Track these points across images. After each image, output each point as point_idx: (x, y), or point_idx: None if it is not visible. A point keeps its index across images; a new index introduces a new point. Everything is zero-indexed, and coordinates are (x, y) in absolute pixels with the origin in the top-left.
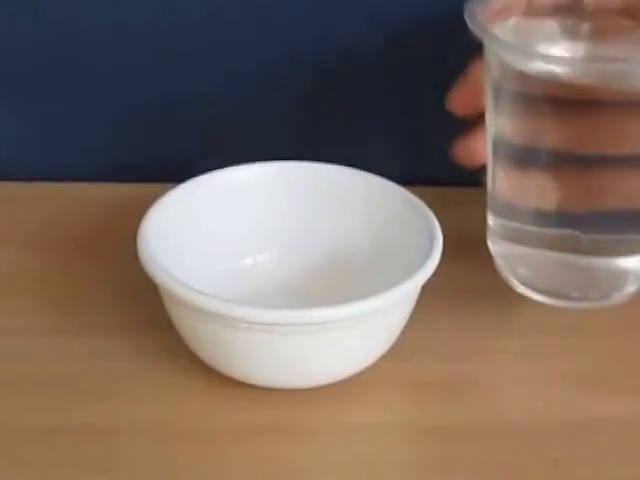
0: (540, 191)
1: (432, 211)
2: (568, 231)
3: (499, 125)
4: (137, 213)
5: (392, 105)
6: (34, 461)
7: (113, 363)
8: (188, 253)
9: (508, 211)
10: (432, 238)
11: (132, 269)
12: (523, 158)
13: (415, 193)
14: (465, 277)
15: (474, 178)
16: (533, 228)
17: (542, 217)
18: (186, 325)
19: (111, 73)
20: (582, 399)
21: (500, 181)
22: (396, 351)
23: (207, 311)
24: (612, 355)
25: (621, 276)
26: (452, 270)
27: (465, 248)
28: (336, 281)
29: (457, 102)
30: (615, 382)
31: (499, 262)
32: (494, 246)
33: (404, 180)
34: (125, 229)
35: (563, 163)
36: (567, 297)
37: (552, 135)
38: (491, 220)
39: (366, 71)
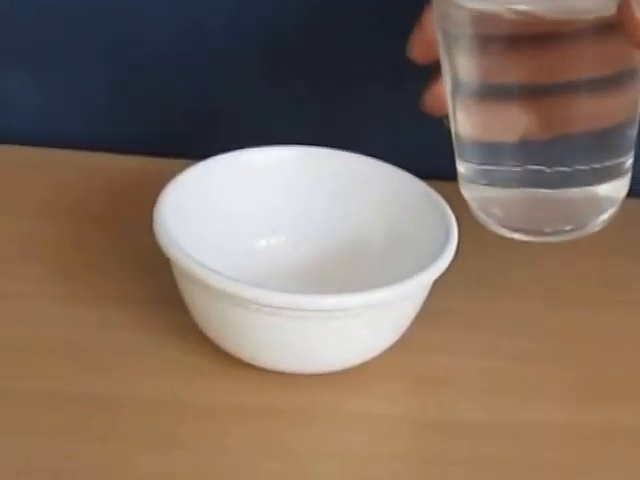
0: (502, 124)
1: (450, 206)
2: (533, 166)
3: (452, 67)
4: (154, 187)
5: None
6: (37, 426)
7: (122, 335)
8: (203, 231)
9: (474, 152)
10: (448, 233)
11: (146, 243)
12: (481, 95)
13: (434, 187)
14: (477, 273)
15: None
16: (500, 167)
17: (507, 153)
18: (197, 303)
19: (132, 45)
20: (588, 403)
21: (463, 122)
22: (404, 343)
23: (218, 290)
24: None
25: (594, 204)
26: (465, 265)
27: (479, 244)
28: (349, 269)
29: (416, 50)
30: (616, 388)
31: (472, 204)
32: (466, 192)
33: (425, 174)
34: (141, 202)
35: (521, 94)
36: (542, 233)
37: (507, 70)
38: (460, 166)
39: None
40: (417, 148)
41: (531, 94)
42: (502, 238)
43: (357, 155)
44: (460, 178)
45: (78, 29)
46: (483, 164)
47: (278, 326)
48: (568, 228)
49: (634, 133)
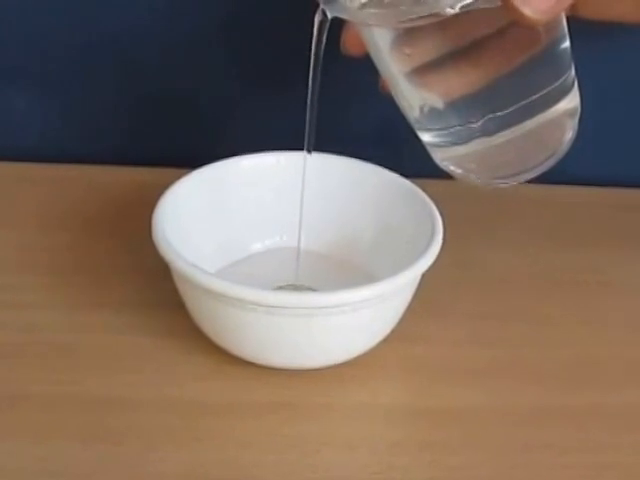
0: (444, 88)
1: (434, 202)
2: (488, 115)
3: (383, 63)
4: (151, 197)
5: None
6: (48, 430)
7: (125, 339)
8: (200, 236)
9: (429, 121)
10: (433, 228)
11: (145, 250)
12: (416, 75)
13: (418, 185)
14: (463, 265)
15: None
16: (459, 127)
17: (460, 112)
18: (196, 305)
19: (129, 60)
20: (577, 385)
21: (409, 98)
22: (397, 335)
23: (216, 292)
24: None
25: (557, 124)
26: (453, 258)
27: (464, 237)
28: (341, 266)
29: (349, 46)
30: (605, 370)
31: (447, 165)
32: (436, 155)
33: (410, 172)
34: (139, 212)
35: (452, 60)
36: (522, 172)
37: (431, 50)
38: (422, 136)
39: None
40: (401, 149)
41: (460, 56)
42: (486, 230)
43: (346, 158)
44: (427, 146)
45: (70, 46)
46: (443, 129)
47: (276, 325)
48: (545, 157)
49: (567, 45)
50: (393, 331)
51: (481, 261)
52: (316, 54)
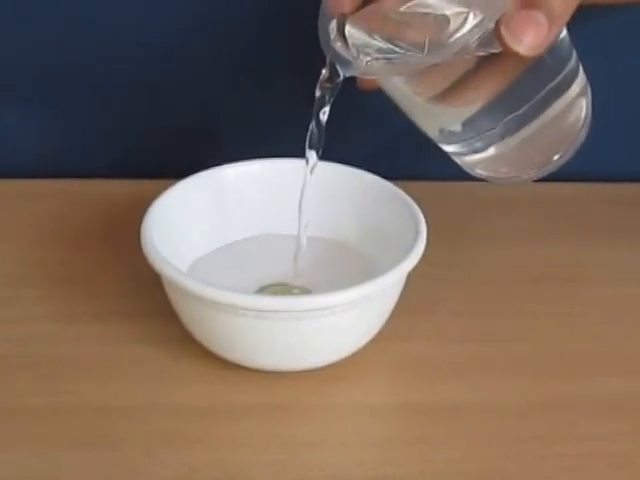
0: (463, 109)
1: (417, 203)
2: (506, 118)
3: (400, 96)
4: (142, 207)
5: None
6: (45, 440)
7: (121, 348)
8: (188, 243)
9: (450, 137)
10: (417, 228)
11: (136, 260)
12: (433, 101)
13: (401, 187)
14: (449, 264)
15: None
16: (481, 135)
17: (479, 123)
18: (187, 313)
19: (115, 75)
20: (562, 378)
21: (431, 124)
22: (385, 334)
23: (205, 299)
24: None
25: (575, 106)
26: (438, 259)
27: (449, 237)
28: (327, 267)
29: (366, 84)
30: (593, 362)
31: (475, 169)
32: (461, 160)
33: (392, 175)
34: (131, 223)
35: (463, 81)
36: (549, 162)
37: (439, 82)
38: (447, 148)
39: None
40: (383, 153)
41: (469, 77)
42: (467, 229)
43: (329, 163)
44: (452, 155)
45: (62, 64)
46: (464, 139)
47: (267, 328)
48: (569, 142)
49: (565, 34)
50: (381, 330)
51: (465, 260)
52: (320, 114)
